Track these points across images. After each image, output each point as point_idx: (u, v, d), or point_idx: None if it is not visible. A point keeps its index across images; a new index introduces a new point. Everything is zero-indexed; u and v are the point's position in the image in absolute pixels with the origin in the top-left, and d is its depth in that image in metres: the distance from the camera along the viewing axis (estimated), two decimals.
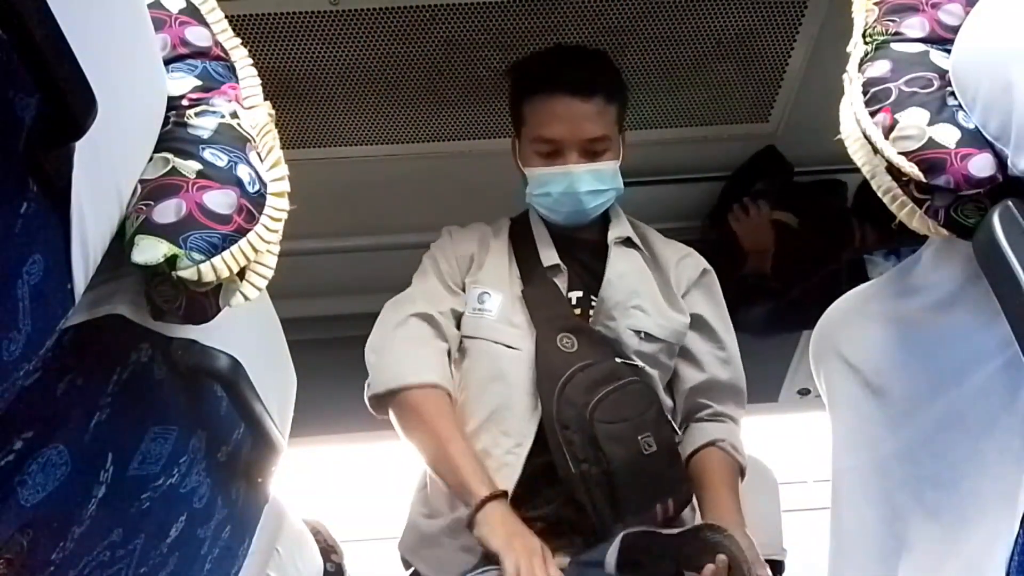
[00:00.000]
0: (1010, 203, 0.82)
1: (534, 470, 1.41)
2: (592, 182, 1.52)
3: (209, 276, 0.74)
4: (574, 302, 1.54)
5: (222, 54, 0.86)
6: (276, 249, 0.82)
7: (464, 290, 1.58)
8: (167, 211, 0.73)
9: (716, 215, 2.18)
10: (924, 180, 0.84)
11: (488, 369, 1.50)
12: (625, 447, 1.35)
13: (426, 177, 2.07)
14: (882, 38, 0.91)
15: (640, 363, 1.50)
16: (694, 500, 1.48)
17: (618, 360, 1.47)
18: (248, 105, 0.85)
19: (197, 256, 0.73)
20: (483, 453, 1.43)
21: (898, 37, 0.91)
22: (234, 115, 0.82)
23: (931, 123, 0.84)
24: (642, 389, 1.45)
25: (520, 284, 1.55)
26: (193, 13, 0.85)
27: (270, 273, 0.83)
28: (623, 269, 1.55)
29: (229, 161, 0.78)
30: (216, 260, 0.74)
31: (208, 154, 0.77)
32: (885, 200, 0.91)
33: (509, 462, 1.42)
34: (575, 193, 1.52)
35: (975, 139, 0.83)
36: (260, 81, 0.89)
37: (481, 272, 1.58)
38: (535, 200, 1.57)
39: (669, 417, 1.51)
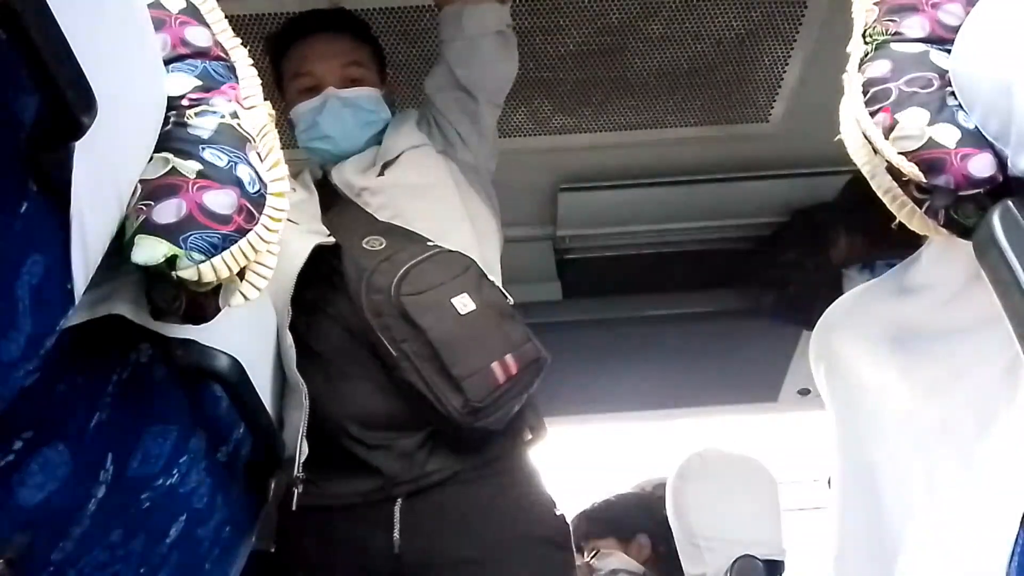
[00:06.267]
0: (1010, 203, 0.82)
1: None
2: (354, 106, 1.53)
3: (209, 276, 0.74)
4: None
5: (222, 54, 0.86)
6: (276, 249, 0.82)
7: None
8: (167, 211, 0.73)
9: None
10: (924, 180, 0.84)
11: None
12: (437, 313, 1.30)
13: None
14: (882, 38, 0.91)
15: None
16: None
17: (429, 244, 1.42)
18: (248, 105, 0.85)
19: (197, 256, 0.73)
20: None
21: (898, 37, 0.91)
22: (234, 115, 0.82)
23: (931, 123, 0.84)
24: (452, 256, 1.40)
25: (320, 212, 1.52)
26: (193, 13, 0.85)
27: (270, 273, 0.83)
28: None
29: (229, 161, 0.78)
30: (216, 260, 0.74)
31: (208, 154, 0.77)
32: (885, 200, 0.91)
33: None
34: (339, 116, 1.52)
35: (975, 139, 0.83)
36: (260, 81, 0.89)
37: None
38: (309, 139, 1.54)
39: (493, 280, 1.45)
